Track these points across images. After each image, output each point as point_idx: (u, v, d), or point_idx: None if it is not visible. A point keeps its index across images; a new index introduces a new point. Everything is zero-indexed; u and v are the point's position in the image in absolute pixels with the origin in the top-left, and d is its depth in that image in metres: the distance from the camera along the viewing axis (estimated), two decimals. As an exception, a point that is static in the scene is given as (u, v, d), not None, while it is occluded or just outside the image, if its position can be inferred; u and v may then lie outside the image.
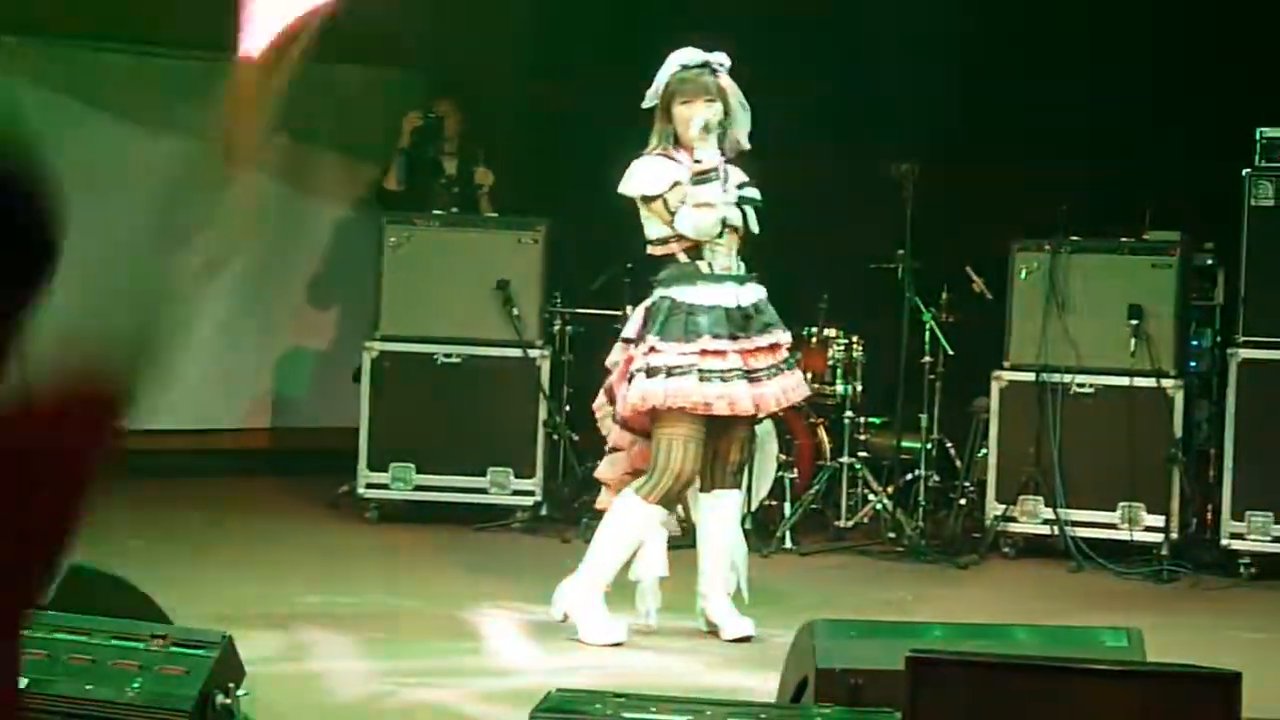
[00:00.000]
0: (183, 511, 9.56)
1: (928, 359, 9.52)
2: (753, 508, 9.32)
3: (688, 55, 7.14)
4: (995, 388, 9.28)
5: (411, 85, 11.22)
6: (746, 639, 7.01)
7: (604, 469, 7.26)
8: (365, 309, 10.03)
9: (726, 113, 7.08)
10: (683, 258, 7.08)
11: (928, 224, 9.26)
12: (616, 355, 7.18)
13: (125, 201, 10.83)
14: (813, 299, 9.91)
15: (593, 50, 10.79)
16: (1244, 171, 8.84)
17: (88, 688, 4.45)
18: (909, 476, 9.56)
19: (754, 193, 7.21)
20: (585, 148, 10.84)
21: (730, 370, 6.91)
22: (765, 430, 9.39)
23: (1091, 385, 9.13)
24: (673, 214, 7.02)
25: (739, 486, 7.31)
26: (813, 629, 4.74)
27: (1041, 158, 9.90)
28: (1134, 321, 9.04)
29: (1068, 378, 9.12)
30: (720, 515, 7.18)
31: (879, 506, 9.43)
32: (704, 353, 6.88)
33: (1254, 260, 8.85)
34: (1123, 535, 9.00)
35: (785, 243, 10.37)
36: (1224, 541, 8.85)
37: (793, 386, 7.16)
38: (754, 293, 7.13)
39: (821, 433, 9.86)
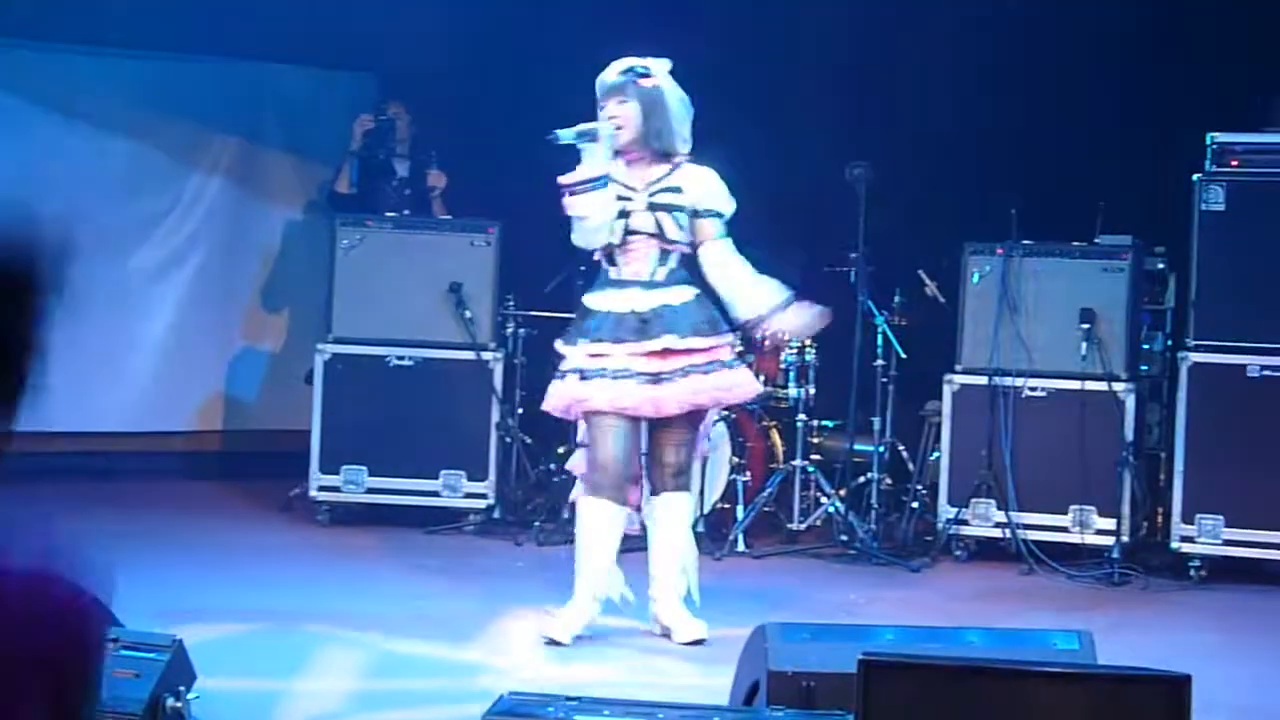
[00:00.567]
0: (134, 514, 9.51)
1: (880, 362, 9.54)
2: (705, 511, 9.32)
3: (622, 63, 7.19)
4: (948, 391, 9.30)
5: (362, 87, 11.21)
6: (699, 642, 7.01)
7: (574, 461, 7.37)
8: (317, 311, 10.01)
9: (649, 115, 7.08)
10: (603, 264, 7.22)
11: (880, 227, 9.27)
12: None
13: (87, 204, 10.84)
14: (766, 302, 9.91)
15: (545, 51, 10.78)
16: (1195, 176, 8.89)
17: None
18: (861, 479, 9.58)
19: (676, 197, 7.16)
20: (537, 149, 10.85)
21: (620, 370, 6.99)
22: (719, 434, 9.40)
23: (1043, 389, 9.16)
24: None
25: (685, 489, 7.26)
26: (765, 632, 4.74)
27: (994, 162, 9.94)
28: (1085, 325, 9.08)
29: (1020, 381, 9.15)
30: (667, 519, 7.19)
31: (831, 509, 9.44)
32: (590, 356, 7.04)
33: (1205, 264, 8.89)
34: (1074, 538, 9.03)
35: (739, 246, 10.43)
36: (1174, 544, 8.89)
37: (709, 389, 7.10)
38: (664, 298, 7.11)
39: (774, 436, 9.87)
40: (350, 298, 9.65)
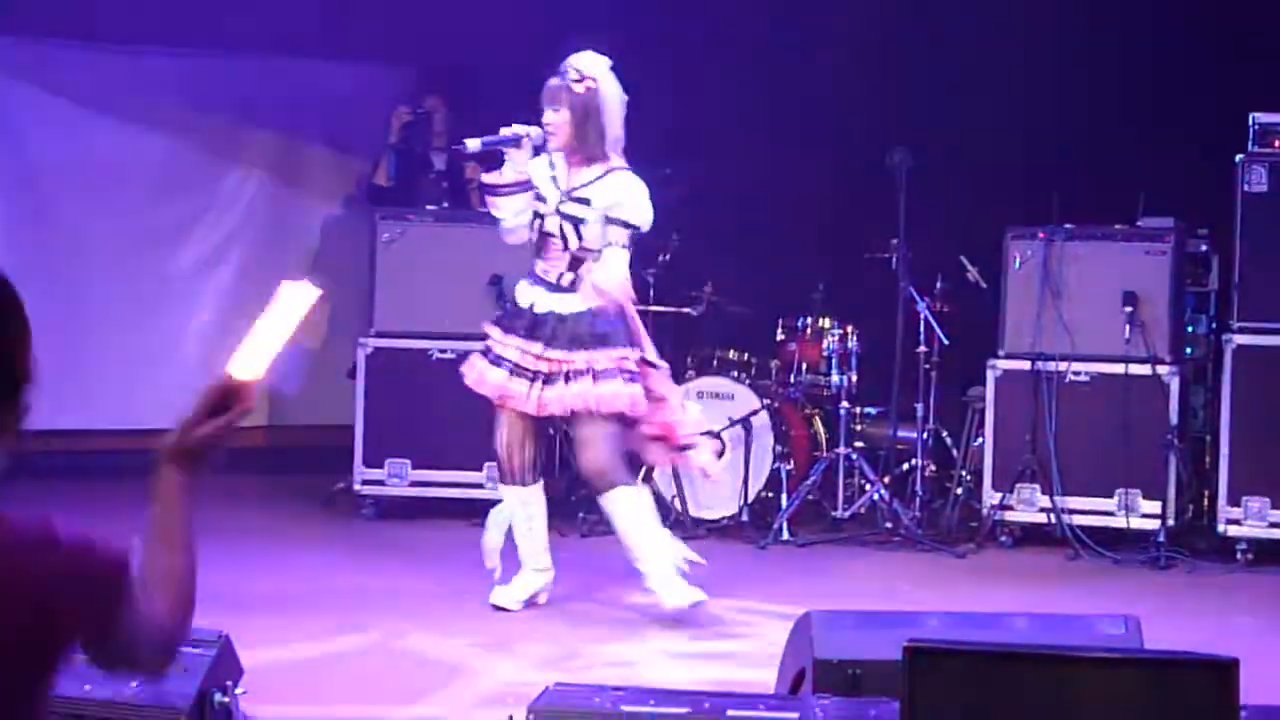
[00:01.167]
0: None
1: (923, 348, 9.52)
2: (749, 500, 9.32)
3: (564, 64, 7.26)
4: (990, 376, 9.28)
5: (400, 82, 11.21)
6: (696, 604, 7.19)
7: None
8: (358, 306, 10.02)
9: (581, 122, 7.14)
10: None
11: (921, 213, 9.25)
12: None
13: (126, 203, 10.88)
14: (808, 289, 9.92)
15: (580, 44, 10.77)
16: (1237, 157, 8.84)
17: (86, 688, 4.44)
18: (905, 466, 9.57)
19: (582, 210, 7.20)
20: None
21: (512, 362, 7.22)
22: (760, 423, 9.40)
23: (1087, 373, 9.13)
24: None
25: (608, 489, 7.27)
26: (810, 620, 4.73)
27: (1035, 145, 9.90)
28: (1129, 308, 9.04)
29: (1063, 365, 9.13)
30: (614, 520, 7.35)
31: (875, 496, 9.42)
32: (497, 341, 7.29)
33: (1248, 246, 8.85)
34: (1119, 522, 9.00)
35: (780, 233, 10.44)
36: (1221, 528, 8.85)
37: (590, 395, 7.14)
38: (558, 304, 7.22)
39: (817, 423, 9.86)
40: (392, 291, 9.66)
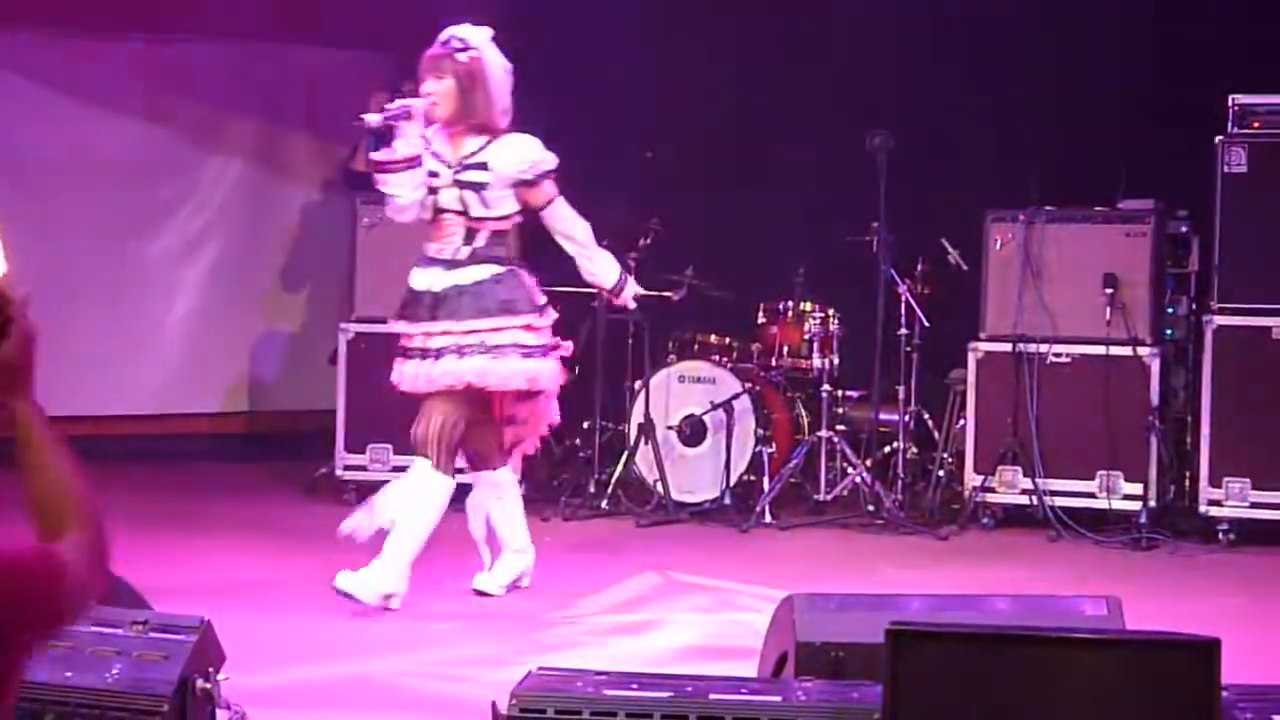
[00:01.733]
0: (160, 496, 9.53)
1: (904, 331, 9.53)
2: (731, 483, 9.33)
3: (443, 34, 7.18)
4: (972, 359, 9.29)
5: (380, 66, 11.18)
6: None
7: None
8: (339, 291, 10.01)
9: (465, 91, 7.08)
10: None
11: (902, 196, 9.25)
12: None
13: (105, 189, 10.85)
14: (789, 272, 9.92)
15: (565, 24, 10.76)
16: (1217, 139, 8.85)
17: (67, 674, 4.43)
18: (887, 449, 9.58)
19: (481, 175, 7.13)
20: (558, 125, 10.84)
21: (412, 349, 7.16)
22: (742, 406, 9.40)
23: (1068, 354, 9.14)
24: None
25: (424, 456, 7.16)
26: (792, 603, 4.73)
27: (1014, 127, 9.90)
28: (1109, 290, 9.05)
29: (1044, 347, 9.14)
30: (407, 480, 7.26)
31: (858, 479, 9.43)
32: (404, 337, 7.23)
33: (1228, 227, 8.87)
34: (1101, 504, 9.02)
35: (761, 217, 10.44)
36: (1202, 508, 8.87)
37: (467, 372, 7.04)
38: (458, 278, 7.12)
39: (799, 407, 9.86)
40: (372, 276, 9.64)
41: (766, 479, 9.39)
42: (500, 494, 7.38)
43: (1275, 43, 9.15)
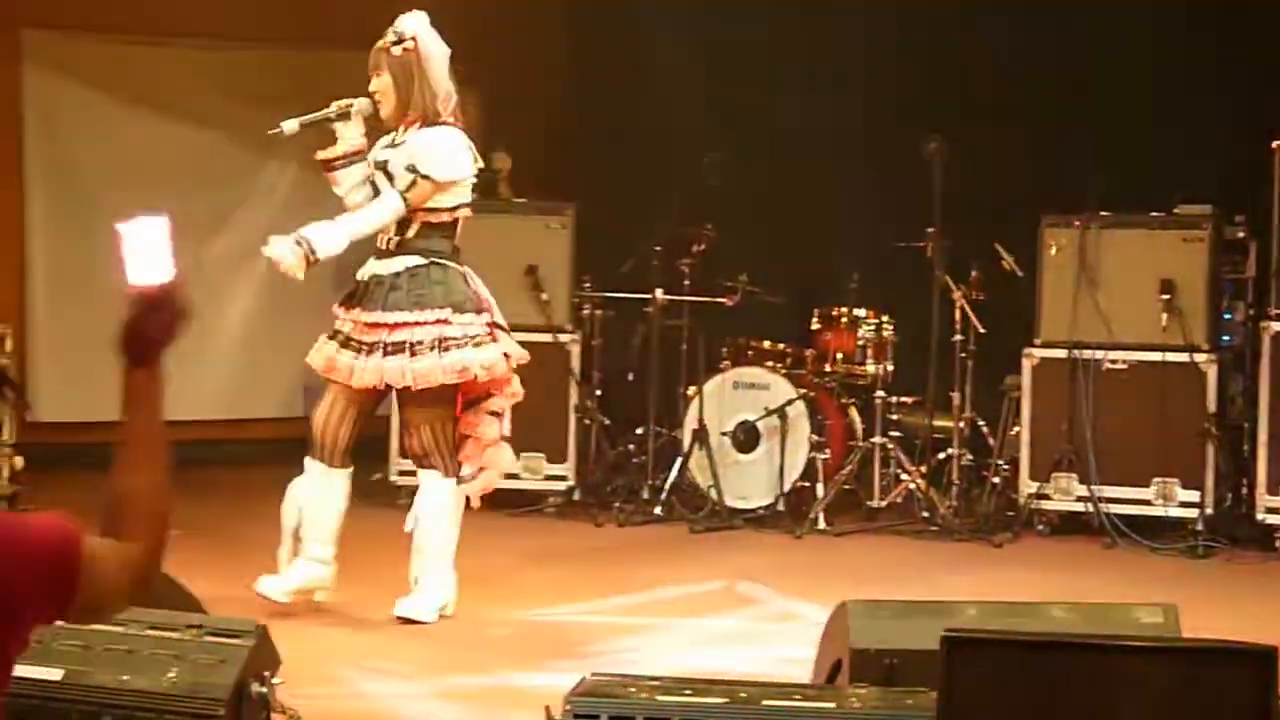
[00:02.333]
0: (216, 501, 9.57)
1: (959, 337, 9.49)
2: (785, 489, 9.32)
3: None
4: (1027, 365, 9.26)
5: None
6: (409, 621, 6.89)
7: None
8: (394, 296, 10.01)
9: (403, 85, 7.00)
10: None
11: (957, 201, 9.23)
12: None
13: (162, 194, 10.90)
14: (843, 279, 9.89)
15: (621, 36, 10.79)
16: (1275, 144, 8.80)
17: (124, 678, 4.47)
18: (941, 455, 9.55)
19: (391, 154, 7.03)
20: (613, 132, 10.86)
21: (343, 336, 7.03)
22: (796, 412, 9.39)
23: (1124, 361, 9.10)
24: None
25: (430, 468, 7.03)
26: (847, 609, 4.73)
27: (1070, 133, 9.87)
28: (1165, 296, 9.01)
29: (1100, 354, 9.10)
30: (418, 499, 7.09)
31: (912, 486, 9.41)
32: (336, 318, 7.10)
33: (1286, 232, 8.82)
34: (1157, 511, 8.98)
35: (815, 223, 10.42)
36: (1259, 516, 8.82)
37: (394, 370, 6.89)
38: (383, 268, 7.04)
39: (853, 413, 9.85)
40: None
41: (820, 485, 9.38)
42: (328, 496, 7.05)
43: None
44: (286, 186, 11.39)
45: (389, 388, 7.03)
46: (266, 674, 4.62)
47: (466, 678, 6.22)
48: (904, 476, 9.47)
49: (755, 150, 10.26)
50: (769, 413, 9.42)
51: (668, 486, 9.44)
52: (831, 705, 4.06)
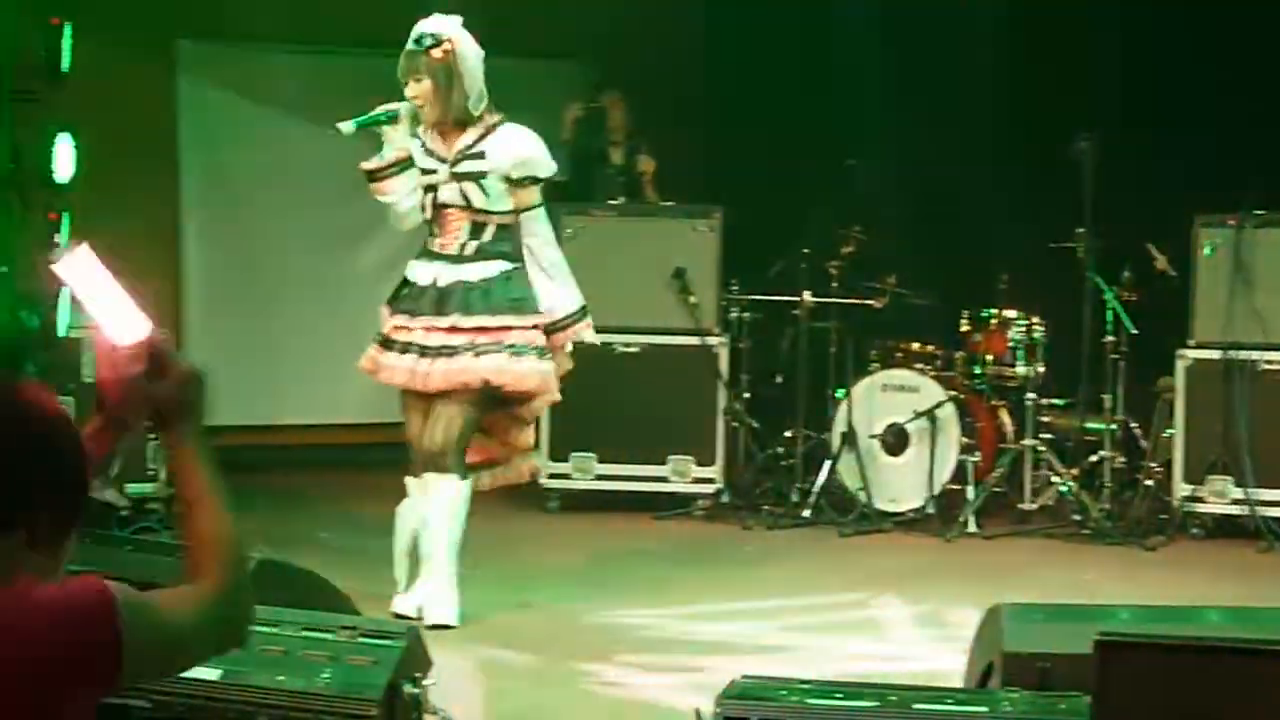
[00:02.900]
0: (368, 504, 9.66)
1: (1110, 338, 9.39)
2: (935, 492, 9.27)
3: (415, 30, 7.01)
4: (1180, 366, 9.15)
5: (574, 77, 11.24)
6: (443, 627, 6.76)
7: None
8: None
9: (443, 88, 6.94)
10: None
11: (1107, 201, 9.14)
12: None
13: (315, 203, 11.04)
14: (992, 280, 9.82)
15: (764, 39, 10.78)
16: None
17: (279, 678, 4.52)
18: (1093, 458, 9.45)
19: (479, 164, 6.97)
20: (759, 134, 10.85)
21: (410, 344, 6.94)
22: (946, 414, 9.34)
23: (1280, 362, 8.98)
24: None
25: (443, 471, 6.94)
26: (999, 613, 4.70)
27: (1225, 130, 9.74)
28: (1323, 296, 8.88)
29: (1255, 355, 8.97)
30: (429, 502, 6.98)
31: (1063, 488, 9.32)
32: (395, 327, 7.01)
33: None
34: (1315, 514, 8.85)
35: (963, 223, 10.36)
36: None
37: (480, 370, 6.85)
38: (465, 274, 6.96)
39: (1003, 415, 9.77)
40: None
41: (970, 488, 9.32)
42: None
43: None
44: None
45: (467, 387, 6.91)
46: (418, 675, 4.66)
47: (610, 672, 6.24)
48: (1055, 479, 9.39)
49: (904, 151, 10.22)
50: (918, 415, 9.37)
51: (816, 489, 9.41)
52: (984, 709, 4.03)
